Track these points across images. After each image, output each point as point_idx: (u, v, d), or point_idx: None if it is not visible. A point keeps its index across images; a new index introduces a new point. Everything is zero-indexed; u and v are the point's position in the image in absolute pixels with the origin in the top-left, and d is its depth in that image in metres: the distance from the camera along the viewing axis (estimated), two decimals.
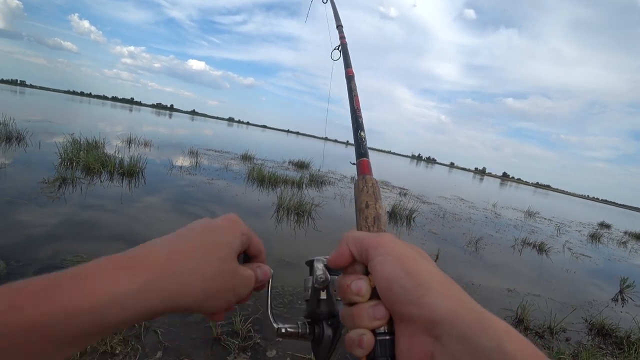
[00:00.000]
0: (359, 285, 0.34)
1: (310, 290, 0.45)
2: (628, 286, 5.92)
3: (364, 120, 0.65)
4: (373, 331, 0.32)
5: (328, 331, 0.43)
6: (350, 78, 0.75)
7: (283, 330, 0.44)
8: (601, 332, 4.00)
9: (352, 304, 0.34)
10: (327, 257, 0.45)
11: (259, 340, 2.56)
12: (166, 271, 0.33)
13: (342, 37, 0.94)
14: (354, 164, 0.57)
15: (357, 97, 0.69)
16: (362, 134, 0.60)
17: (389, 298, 0.32)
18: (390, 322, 0.32)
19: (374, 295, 0.33)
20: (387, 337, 0.32)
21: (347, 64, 0.82)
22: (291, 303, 3.19)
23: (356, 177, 0.53)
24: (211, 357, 2.31)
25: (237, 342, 2.44)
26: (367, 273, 0.35)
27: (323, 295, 0.44)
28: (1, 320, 0.25)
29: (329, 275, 0.44)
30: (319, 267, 0.45)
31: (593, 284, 6.29)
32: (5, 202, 4.27)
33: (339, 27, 1.02)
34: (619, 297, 5.75)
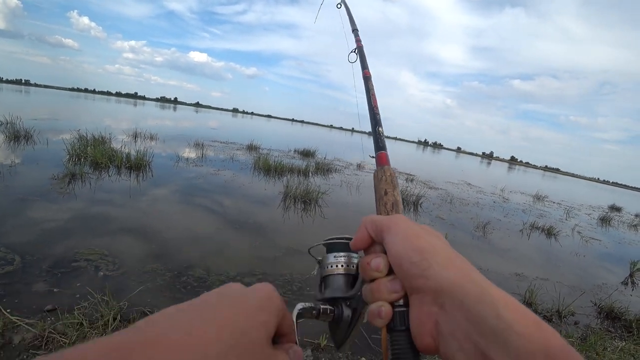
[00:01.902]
0: (377, 262, 0.37)
1: (332, 267, 0.47)
2: (638, 269, 5.88)
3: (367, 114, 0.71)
4: (391, 304, 0.36)
5: (347, 311, 0.44)
6: (367, 79, 0.80)
7: (301, 307, 0.42)
8: (610, 315, 4.00)
9: (372, 280, 0.38)
10: (348, 236, 0.47)
11: None
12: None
13: (358, 41, 0.98)
14: (373, 157, 0.62)
15: (375, 96, 0.73)
16: (380, 129, 0.64)
17: (400, 272, 0.35)
18: (406, 295, 0.36)
19: (391, 271, 0.37)
20: (403, 309, 0.35)
21: (364, 66, 0.86)
22: (300, 290, 3.24)
23: (375, 167, 0.59)
24: None
25: None
26: (385, 252, 0.38)
27: (341, 271, 0.46)
28: None
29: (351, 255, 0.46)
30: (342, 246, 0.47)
31: (603, 267, 6.26)
32: (17, 199, 4.35)
33: (355, 30, 1.06)
34: (629, 280, 5.72)
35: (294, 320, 0.38)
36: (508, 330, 0.27)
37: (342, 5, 1.27)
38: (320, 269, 0.48)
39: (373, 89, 0.76)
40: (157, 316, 0.26)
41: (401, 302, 0.36)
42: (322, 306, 0.44)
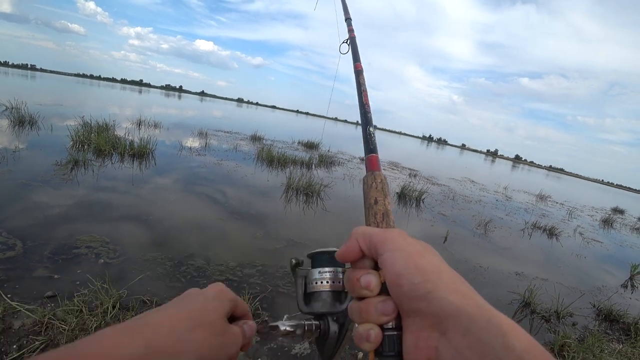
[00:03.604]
0: (369, 279, 0.34)
1: (318, 284, 0.46)
2: (639, 272, 5.86)
3: (372, 107, 0.64)
4: (381, 326, 0.33)
5: (334, 327, 0.43)
6: (358, 72, 0.73)
7: (284, 328, 0.43)
8: (609, 317, 3.99)
9: (360, 298, 0.35)
10: (326, 249, 0.46)
11: (267, 318, 2.64)
12: (164, 334, 0.34)
13: (350, 31, 0.92)
14: (363, 159, 0.58)
15: (366, 92, 0.67)
16: (370, 129, 0.58)
17: (397, 293, 0.32)
18: (398, 318, 0.33)
19: (383, 290, 0.34)
20: (395, 333, 0.33)
21: (356, 58, 0.80)
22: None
23: (365, 173, 0.53)
24: None
25: None
26: (375, 268, 0.35)
27: (327, 288, 0.45)
28: None
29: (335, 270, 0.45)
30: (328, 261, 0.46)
31: (603, 269, 6.24)
32: (20, 184, 4.37)
33: (348, 19, 1.01)
34: (629, 283, 5.71)
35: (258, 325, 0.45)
36: None
37: None
38: (305, 284, 0.46)
39: (365, 84, 0.69)
40: (149, 311, 0.38)
41: (392, 325, 0.33)
42: (306, 322, 0.44)
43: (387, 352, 0.32)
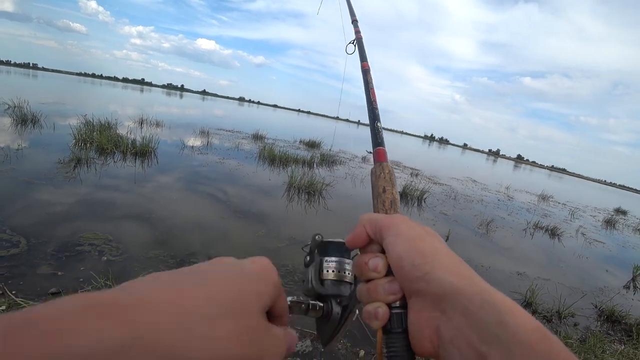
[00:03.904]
0: (376, 262, 0.36)
1: (328, 272, 0.46)
2: None
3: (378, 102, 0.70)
4: (388, 305, 0.35)
5: (337, 309, 0.44)
6: (365, 71, 0.77)
7: (290, 299, 0.42)
8: (610, 318, 3.99)
9: (368, 280, 0.37)
10: (334, 239, 0.47)
11: None
12: (164, 324, 0.22)
13: (357, 32, 0.95)
14: (370, 152, 0.61)
15: (373, 90, 0.71)
16: (378, 124, 0.63)
17: (400, 274, 0.34)
18: (404, 297, 0.35)
19: (389, 272, 0.36)
20: (401, 311, 0.35)
21: (363, 58, 0.83)
22: (302, 281, 3.25)
23: (373, 164, 0.57)
24: None
25: None
26: (383, 252, 0.37)
27: (332, 277, 0.45)
28: None
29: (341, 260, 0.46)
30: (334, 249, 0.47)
31: (605, 270, 6.22)
32: (23, 182, 4.39)
33: (354, 21, 1.04)
34: (631, 284, 5.69)
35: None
36: (511, 338, 0.26)
37: None
38: (314, 266, 0.47)
39: (372, 83, 0.74)
40: (146, 277, 0.25)
41: (398, 303, 0.35)
42: (311, 301, 0.44)
43: (395, 328, 0.34)
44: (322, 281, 0.46)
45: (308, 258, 0.48)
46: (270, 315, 0.32)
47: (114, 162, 6.39)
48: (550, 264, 5.79)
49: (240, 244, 3.88)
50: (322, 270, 0.46)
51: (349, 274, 0.46)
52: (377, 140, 0.60)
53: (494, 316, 0.27)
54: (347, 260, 0.46)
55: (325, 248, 0.47)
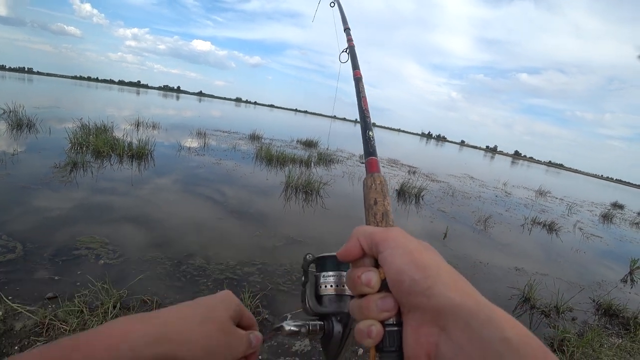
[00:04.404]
0: (369, 276, 0.35)
1: (325, 287, 0.46)
2: (638, 267, 5.88)
3: (370, 105, 0.69)
4: (382, 322, 0.34)
5: (338, 327, 0.43)
6: (358, 80, 0.77)
7: (289, 328, 0.44)
8: (608, 312, 4.00)
9: (361, 295, 0.36)
10: (330, 254, 0.46)
11: (267, 316, 2.65)
12: (174, 323, 0.36)
13: (349, 40, 0.96)
14: (362, 163, 0.60)
15: (365, 98, 0.70)
16: (370, 133, 0.61)
17: (398, 289, 0.33)
18: (398, 314, 0.33)
19: (383, 287, 0.35)
20: (396, 328, 0.33)
21: (355, 66, 0.83)
22: (299, 280, 3.24)
23: (365, 174, 0.55)
24: None
25: None
26: (376, 266, 0.36)
27: (331, 292, 0.45)
28: None
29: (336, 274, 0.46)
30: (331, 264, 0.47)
31: (603, 264, 6.26)
32: (19, 187, 4.37)
33: (347, 29, 1.04)
34: (629, 278, 5.72)
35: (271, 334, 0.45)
36: (514, 355, 0.25)
37: (335, 3, 1.26)
38: (310, 286, 0.47)
39: (364, 91, 0.74)
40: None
41: (392, 321, 0.34)
42: (311, 323, 0.44)
43: (388, 347, 0.33)
44: (320, 298, 0.46)
45: (303, 278, 0.48)
46: (242, 326, 0.44)
47: (111, 165, 6.37)
48: (548, 259, 5.82)
49: (237, 244, 3.87)
50: (320, 287, 0.46)
51: (345, 286, 0.45)
52: (368, 149, 0.58)
53: (497, 332, 0.27)
54: (344, 273, 0.46)
55: (321, 264, 0.47)
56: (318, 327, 0.44)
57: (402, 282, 0.32)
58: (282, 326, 0.45)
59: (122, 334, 0.32)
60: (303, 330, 0.43)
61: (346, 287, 0.44)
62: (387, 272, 0.34)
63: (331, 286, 0.45)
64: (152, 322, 0.35)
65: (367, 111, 0.68)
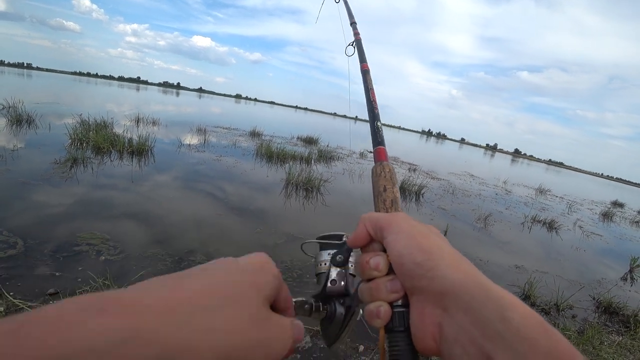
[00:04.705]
0: (377, 261, 0.36)
1: (325, 265, 0.45)
2: (638, 265, 5.88)
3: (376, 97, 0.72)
4: (390, 304, 0.35)
5: (340, 309, 0.43)
6: (365, 72, 0.78)
7: (294, 300, 0.42)
8: (608, 310, 4.01)
9: (370, 279, 0.37)
10: (340, 233, 0.46)
11: None
12: (162, 317, 0.22)
13: (356, 34, 0.98)
14: (371, 152, 0.63)
15: (373, 90, 0.72)
16: (378, 124, 0.63)
17: (402, 272, 0.34)
18: (406, 295, 0.35)
19: (391, 270, 0.36)
20: (403, 309, 0.35)
21: (362, 59, 0.84)
22: (300, 277, 3.26)
23: (374, 163, 0.57)
24: None
25: None
26: (384, 250, 0.37)
27: (335, 275, 0.44)
28: None
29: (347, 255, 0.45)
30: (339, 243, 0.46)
31: (603, 262, 6.27)
32: (19, 182, 4.36)
33: (353, 24, 1.07)
34: (629, 276, 5.73)
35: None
36: (514, 334, 0.26)
37: None
38: (314, 266, 0.47)
39: (371, 83, 0.75)
40: (149, 279, 0.26)
41: (400, 302, 0.35)
42: (314, 303, 0.44)
43: (397, 327, 0.34)
44: (319, 275, 0.46)
45: (340, 257, 0.44)
46: (274, 308, 0.33)
47: (111, 161, 6.36)
48: (548, 257, 5.82)
49: (238, 241, 3.87)
50: (318, 265, 0.46)
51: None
52: (377, 139, 0.61)
53: (497, 312, 0.27)
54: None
55: (325, 244, 0.47)
56: (320, 308, 0.44)
57: (404, 264, 0.33)
58: None
59: (77, 325, 0.19)
60: (307, 307, 0.42)
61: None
62: (391, 256, 0.35)
63: (326, 264, 0.45)
64: (126, 314, 0.21)
65: (375, 103, 0.69)
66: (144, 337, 0.20)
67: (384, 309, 0.34)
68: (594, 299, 4.29)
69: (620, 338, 3.37)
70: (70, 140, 7.09)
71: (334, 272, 0.44)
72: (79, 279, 2.57)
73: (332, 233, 0.47)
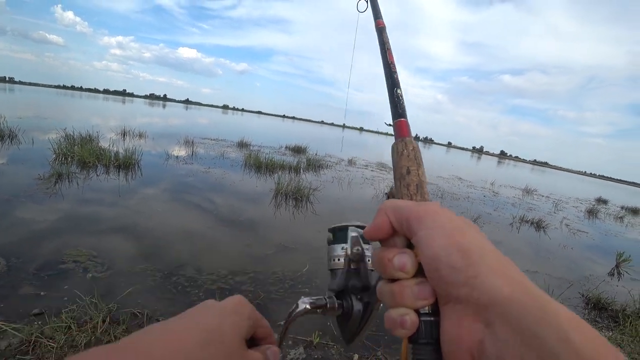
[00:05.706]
0: (403, 260, 0.30)
1: (339, 260, 0.42)
2: (624, 260, 6.01)
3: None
4: (416, 311, 0.29)
5: (358, 305, 0.40)
6: (381, 30, 0.67)
7: (307, 306, 0.40)
8: (597, 306, 4.07)
9: (393, 279, 0.31)
10: (357, 223, 0.43)
11: None
12: (160, 351, 0.28)
13: None
14: (389, 125, 0.51)
15: (390, 50, 0.61)
16: (398, 91, 0.53)
17: (435, 277, 0.28)
18: (436, 302, 0.29)
19: (419, 271, 0.30)
20: (432, 318, 0.29)
21: (377, 15, 0.71)
22: (292, 288, 3.23)
23: (395, 139, 0.48)
24: None
25: None
26: (409, 246, 0.31)
27: (354, 267, 0.41)
28: None
29: (364, 247, 0.41)
30: (354, 236, 0.41)
31: (590, 259, 6.39)
32: (1, 200, 4.25)
33: None
34: (615, 271, 5.84)
35: (288, 319, 0.41)
36: (576, 358, 0.21)
37: None
38: (328, 260, 0.43)
39: (388, 42, 0.63)
40: (142, 329, 0.31)
41: (428, 309, 0.29)
42: (328, 300, 0.41)
43: (424, 339, 0.29)
44: (332, 271, 0.43)
45: (357, 249, 0.41)
46: (256, 339, 0.38)
47: (97, 175, 6.25)
48: (537, 256, 5.91)
49: (228, 253, 3.83)
50: (332, 260, 0.43)
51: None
52: (397, 110, 0.50)
53: (555, 331, 0.22)
54: (366, 246, 0.42)
55: (340, 234, 0.43)
56: (336, 305, 0.41)
57: (440, 270, 0.28)
58: (296, 305, 0.41)
59: None
60: (319, 311, 0.40)
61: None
62: (423, 256, 0.29)
63: (340, 260, 0.42)
64: (129, 356, 0.27)
65: (394, 65, 0.58)
66: None
67: (411, 318, 0.29)
68: (583, 295, 4.35)
69: (611, 333, 3.43)
70: (54, 155, 6.96)
71: (354, 266, 0.41)
72: (65, 298, 2.50)
73: (346, 224, 0.43)
